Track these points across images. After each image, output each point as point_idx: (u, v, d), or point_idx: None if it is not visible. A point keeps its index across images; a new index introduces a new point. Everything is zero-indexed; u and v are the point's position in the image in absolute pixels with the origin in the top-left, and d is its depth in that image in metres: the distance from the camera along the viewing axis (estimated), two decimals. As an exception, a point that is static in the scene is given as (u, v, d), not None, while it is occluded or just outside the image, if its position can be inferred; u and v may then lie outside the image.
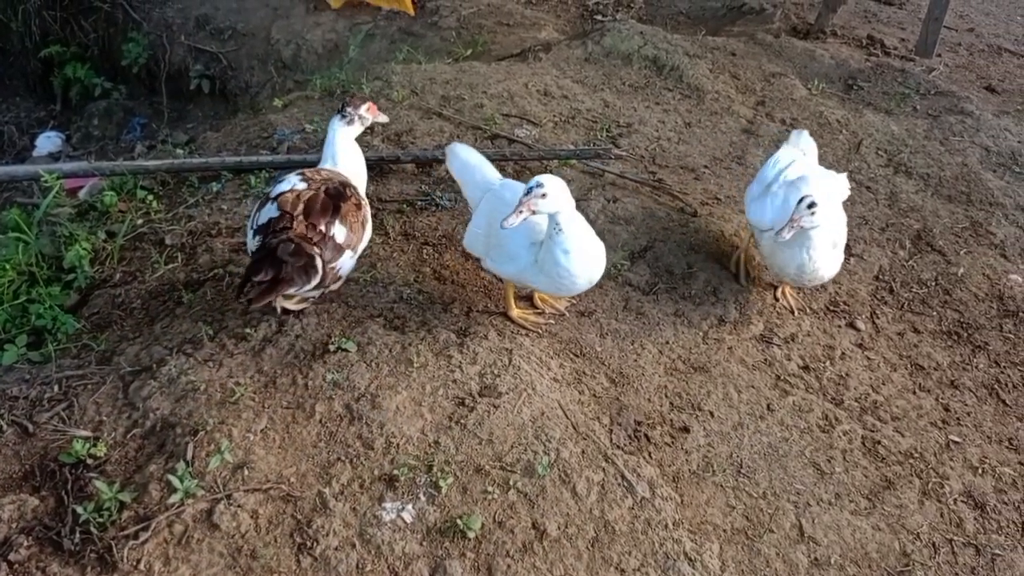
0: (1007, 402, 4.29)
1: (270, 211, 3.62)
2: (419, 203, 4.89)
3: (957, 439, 4.03)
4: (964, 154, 6.14)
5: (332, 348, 3.69)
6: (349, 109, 4.05)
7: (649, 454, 3.65)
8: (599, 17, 8.94)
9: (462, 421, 3.49)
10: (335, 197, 3.70)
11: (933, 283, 4.94)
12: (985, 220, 5.48)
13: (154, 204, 4.85)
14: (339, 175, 3.92)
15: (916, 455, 3.90)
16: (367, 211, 3.93)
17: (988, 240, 5.33)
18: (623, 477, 3.43)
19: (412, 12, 8.50)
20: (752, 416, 3.92)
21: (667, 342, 4.20)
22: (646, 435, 3.72)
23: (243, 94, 8.60)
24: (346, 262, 3.76)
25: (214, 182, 5.08)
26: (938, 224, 5.39)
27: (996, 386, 4.37)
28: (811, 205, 3.89)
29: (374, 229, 4.49)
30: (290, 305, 3.89)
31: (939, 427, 4.09)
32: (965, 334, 4.65)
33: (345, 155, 4.04)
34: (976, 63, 8.18)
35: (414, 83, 6.20)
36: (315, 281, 3.56)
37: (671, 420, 3.83)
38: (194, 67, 8.75)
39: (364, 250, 3.97)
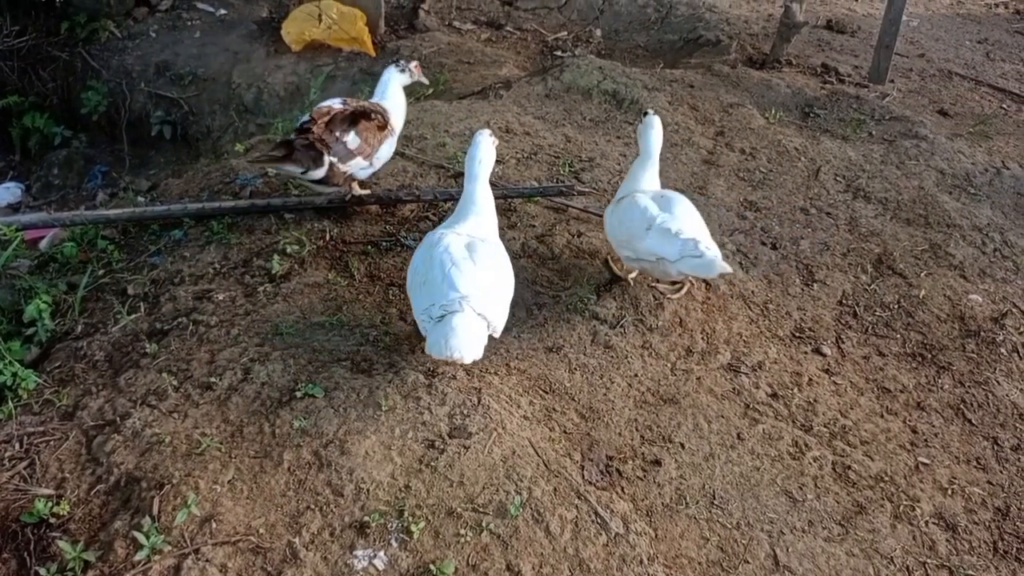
0: (973, 421, 4.34)
1: (303, 118, 4.70)
2: (384, 244, 4.89)
3: (926, 461, 4.07)
4: (920, 177, 6.26)
5: (299, 394, 3.66)
6: (403, 62, 5.19)
7: (622, 489, 3.64)
8: (558, 53, 9.05)
9: (432, 463, 3.46)
10: (359, 114, 4.67)
11: (896, 306, 5.00)
12: (944, 242, 5.57)
13: (115, 253, 4.80)
14: (377, 106, 4.84)
15: (886, 478, 3.93)
16: (391, 136, 4.90)
17: (947, 261, 5.41)
18: (596, 514, 3.42)
19: (373, 53, 8.60)
20: (723, 446, 3.93)
21: (636, 375, 4.21)
22: (618, 470, 3.72)
23: (205, 139, 8.56)
24: (358, 166, 4.76)
25: (176, 229, 5.04)
26: (898, 247, 5.47)
27: (961, 406, 4.42)
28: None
29: (339, 272, 4.52)
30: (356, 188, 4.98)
31: (908, 449, 4.12)
32: (929, 355, 4.71)
33: (393, 96, 5.01)
34: (928, 88, 8.37)
35: (376, 124, 6.21)
36: (321, 171, 4.63)
37: (642, 453, 3.82)
38: (155, 113, 8.70)
39: (383, 167, 5.09)
